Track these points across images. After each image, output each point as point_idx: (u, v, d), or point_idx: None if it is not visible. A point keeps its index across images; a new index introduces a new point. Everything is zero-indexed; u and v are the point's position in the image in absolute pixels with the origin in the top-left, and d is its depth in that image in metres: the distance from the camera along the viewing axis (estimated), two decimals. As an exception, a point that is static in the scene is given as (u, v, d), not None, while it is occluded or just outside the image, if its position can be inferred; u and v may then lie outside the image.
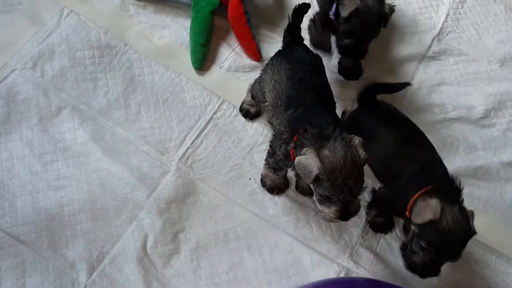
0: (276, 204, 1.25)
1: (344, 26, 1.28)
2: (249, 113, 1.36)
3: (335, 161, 0.96)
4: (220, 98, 1.38)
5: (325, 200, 1.00)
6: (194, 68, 1.41)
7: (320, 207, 1.03)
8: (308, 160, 0.97)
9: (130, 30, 1.43)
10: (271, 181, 1.25)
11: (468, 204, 1.07)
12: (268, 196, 1.26)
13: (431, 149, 1.18)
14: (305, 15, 1.24)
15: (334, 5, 1.31)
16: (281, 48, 1.25)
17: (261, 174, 1.27)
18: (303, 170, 0.99)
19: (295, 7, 1.22)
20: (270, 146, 1.16)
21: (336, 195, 0.98)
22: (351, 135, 1.00)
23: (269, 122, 1.24)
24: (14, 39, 1.35)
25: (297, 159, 1.00)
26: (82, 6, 1.43)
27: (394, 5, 1.33)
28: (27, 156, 1.22)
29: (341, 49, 1.34)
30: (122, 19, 1.44)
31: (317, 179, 0.97)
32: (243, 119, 1.36)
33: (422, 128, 1.21)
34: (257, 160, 1.30)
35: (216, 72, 1.43)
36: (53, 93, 1.29)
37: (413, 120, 1.23)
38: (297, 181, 1.29)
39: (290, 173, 1.24)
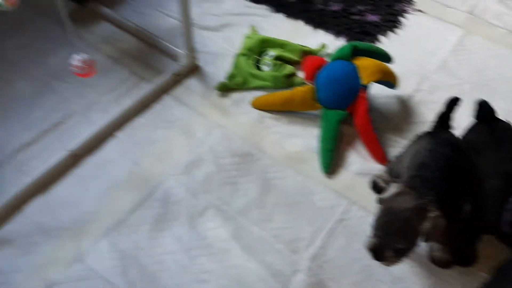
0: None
1: None
2: (377, 186, 1.43)
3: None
4: (348, 200, 1.45)
5: None
6: (323, 172, 1.52)
7: None
8: None
9: (266, 139, 1.61)
10: None
11: None
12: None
13: None
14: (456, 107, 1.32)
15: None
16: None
17: None
18: None
19: (448, 100, 1.32)
20: None
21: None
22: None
23: None
24: (170, 150, 1.59)
25: None
26: (226, 120, 1.67)
27: None
28: (176, 251, 1.38)
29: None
30: (259, 130, 1.64)
31: None
32: (371, 220, 1.40)
33: None
34: (387, 262, 1.30)
35: (344, 175, 1.52)
36: (200, 195, 1.48)
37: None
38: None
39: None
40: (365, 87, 1.57)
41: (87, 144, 1.58)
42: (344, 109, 1.59)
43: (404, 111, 1.65)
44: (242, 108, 1.71)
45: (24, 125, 1.64)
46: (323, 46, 1.88)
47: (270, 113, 1.68)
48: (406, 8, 2.05)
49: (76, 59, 1.36)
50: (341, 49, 1.66)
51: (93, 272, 1.33)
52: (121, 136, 1.63)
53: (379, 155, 1.54)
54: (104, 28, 2.00)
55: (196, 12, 2.02)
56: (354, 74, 1.58)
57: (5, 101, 1.71)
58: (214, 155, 1.56)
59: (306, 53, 1.84)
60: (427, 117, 1.65)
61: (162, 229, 1.43)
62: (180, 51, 1.82)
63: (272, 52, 1.83)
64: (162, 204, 1.47)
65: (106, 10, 2.02)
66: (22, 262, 1.34)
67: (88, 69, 1.36)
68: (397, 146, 1.57)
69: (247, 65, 1.80)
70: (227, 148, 1.58)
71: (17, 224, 1.42)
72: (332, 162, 1.53)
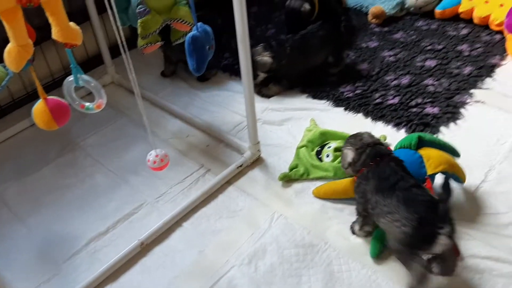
0: None
1: None
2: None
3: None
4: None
5: None
6: (371, 256, 1.51)
7: None
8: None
9: (329, 230, 1.61)
10: None
11: None
12: None
13: None
14: None
15: None
16: None
17: None
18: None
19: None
20: None
21: None
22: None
23: None
24: (234, 240, 1.62)
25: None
26: (289, 210, 1.69)
27: None
28: None
29: None
30: (322, 220, 1.65)
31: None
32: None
33: None
34: None
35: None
36: (263, 287, 1.48)
37: None
38: None
39: None
40: (431, 178, 1.56)
41: (156, 234, 1.64)
42: None
43: (473, 203, 1.61)
44: (304, 198, 1.73)
45: (100, 215, 1.75)
46: (384, 137, 1.92)
47: (333, 203, 1.70)
48: (466, 100, 2.07)
49: (153, 155, 1.47)
50: (406, 139, 1.67)
51: None
52: (188, 226, 1.69)
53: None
54: (175, 124, 2.16)
55: (260, 108, 2.15)
56: (419, 163, 1.58)
57: (85, 193, 1.85)
58: (277, 246, 1.57)
59: None
60: (496, 208, 1.60)
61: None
62: (244, 144, 1.92)
63: (333, 143, 1.89)
64: (226, 296, 1.48)
65: (176, 108, 2.20)
66: None
67: (163, 163, 1.47)
68: (468, 239, 1.51)
69: (309, 156, 1.86)
70: (290, 239, 1.59)
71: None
72: (381, 250, 1.50)
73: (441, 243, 1.25)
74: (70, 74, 1.38)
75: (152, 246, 1.62)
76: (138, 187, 1.85)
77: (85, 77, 1.36)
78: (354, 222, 1.58)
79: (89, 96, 1.51)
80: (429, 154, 1.59)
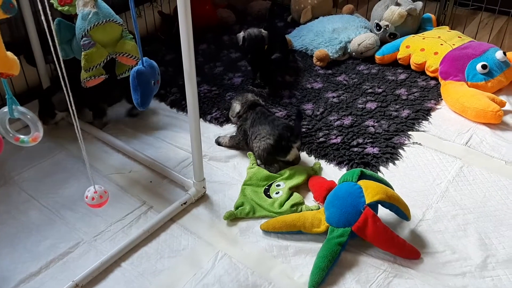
0: None
1: None
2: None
3: None
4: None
5: None
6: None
7: None
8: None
9: (274, 270, 1.58)
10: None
11: None
12: None
13: None
14: None
15: None
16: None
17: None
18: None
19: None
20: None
21: None
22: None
23: None
24: (176, 281, 1.56)
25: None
26: (233, 249, 1.66)
27: None
28: None
29: None
30: (267, 259, 1.62)
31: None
32: None
33: None
34: None
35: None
36: (205, 330, 1.42)
37: None
38: None
39: None
40: (370, 206, 1.60)
41: (92, 275, 1.56)
42: (349, 226, 1.60)
43: (411, 241, 1.65)
44: (249, 237, 1.71)
45: (32, 255, 1.64)
46: (318, 164, 2.03)
47: (278, 240, 1.69)
48: (404, 141, 2.16)
49: (92, 191, 1.41)
50: (349, 172, 1.75)
51: None
52: (127, 266, 1.61)
53: (410, 251, 1.60)
54: (118, 159, 2.10)
55: (206, 144, 2.14)
56: (358, 193, 1.64)
57: (17, 231, 1.74)
58: (220, 286, 1.53)
59: (312, 174, 1.98)
60: (434, 247, 1.65)
61: None
62: (188, 180, 1.89)
63: (281, 182, 1.90)
64: None
65: (119, 142, 2.15)
66: None
67: (102, 200, 1.41)
68: (408, 278, 1.54)
69: (254, 195, 1.86)
70: (234, 279, 1.55)
71: None
72: (320, 281, 1.50)
73: (293, 153, 1.97)
74: (5, 105, 1.32)
75: (87, 288, 1.54)
76: (74, 225, 1.76)
77: (21, 108, 1.30)
78: (222, 137, 2.19)
79: (26, 128, 1.44)
80: (368, 185, 1.66)
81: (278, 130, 1.93)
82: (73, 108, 1.29)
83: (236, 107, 2.11)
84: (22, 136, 1.35)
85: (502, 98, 2.36)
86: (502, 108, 2.27)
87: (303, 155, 2.10)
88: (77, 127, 1.33)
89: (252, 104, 2.10)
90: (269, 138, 1.94)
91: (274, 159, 1.98)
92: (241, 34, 2.43)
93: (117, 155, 2.12)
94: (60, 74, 1.22)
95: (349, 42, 2.82)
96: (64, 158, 2.10)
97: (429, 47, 2.62)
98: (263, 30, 2.45)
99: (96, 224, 1.76)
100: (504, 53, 2.48)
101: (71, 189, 1.92)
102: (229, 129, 2.27)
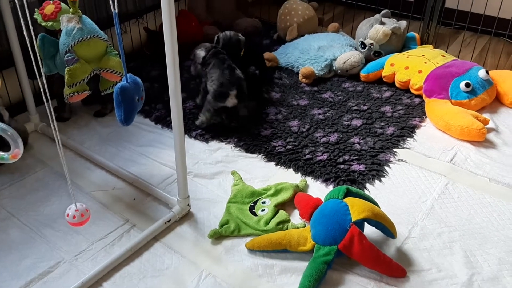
0: None
1: None
2: None
3: None
4: None
5: None
6: None
7: None
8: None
9: (258, 289, 1.56)
10: None
11: None
12: None
13: None
14: None
15: None
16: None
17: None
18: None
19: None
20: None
21: None
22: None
23: None
24: (159, 301, 1.53)
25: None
26: (218, 268, 1.63)
27: None
28: None
29: None
30: (252, 278, 1.60)
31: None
32: None
33: None
34: None
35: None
36: None
37: None
38: None
39: None
40: (356, 224, 1.59)
41: (72, 295, 1.52)
42: (335, 244, 1.59)
43: (397, 259, 1.64)
44: (234, 255, 1.69)
45: (11, 274, 1.59)
46: (304, 181, 2.01)
47: (264, 259, 1.66)
48: (390, 158, 2.17)
49: (73, 209, 1.38)
50: (335, 190, 1.74)
51: None
52: (108, 286, 1.57)
53: (396, 269, 1.59)
54: (100, 175, 2.06)
55: (191, 161, 2.12)
56: (344, 211, 1.63)
57: (-6, 249, 1.69)
58: (204, 307, 1.50)
59: (298, 190, 1.95)
60: (420, 265, 1.64)
61: None
62: (173, 198, 1.86)
63: (267, 199, 1.88)
64: None
65: (102, 159, 2.11)
66: None
67: (83, 218, 1.37)
68: (393, 296, 1.53)
69: (240, 212, 1.83)
70: (218, 299, 1.53)
71: None
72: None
73: (231, 101, 2.21)
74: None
75: (67, 310, 1.49)
76: (55, 243, 1.72)
77: (1, 125, 1.27)
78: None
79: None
80: (353, 202, 1.65)
81: (222, 78, 2.21)
82: (55, 124, 1.26)
83: (201, 54, 2.41)
84: (1, 153, 1.32)
85: (486, 116, 2.39)
86: (486, 126, 2.29)
87: (290, 172, 2.09)
88: (58, 143, 1.31)
89: (214, 51, 2.36)
90: (215, 83, 2.23)
91: (216, 103, 2.24)
92: (205, 48, 2.49)
93: (100, 172, 2.09)
94: (41, 89, 1.20)
95: (335, 60, 2.84)
96: (45, 175, 2.06)
97: (413, 65, 2.65)
98: (240, 34, 2.52)
99: (77, 242, 1.72)
100: (487, 72, 2.52)
101: (52, 206, 1.88)
102: (215, 145, 2.25)
